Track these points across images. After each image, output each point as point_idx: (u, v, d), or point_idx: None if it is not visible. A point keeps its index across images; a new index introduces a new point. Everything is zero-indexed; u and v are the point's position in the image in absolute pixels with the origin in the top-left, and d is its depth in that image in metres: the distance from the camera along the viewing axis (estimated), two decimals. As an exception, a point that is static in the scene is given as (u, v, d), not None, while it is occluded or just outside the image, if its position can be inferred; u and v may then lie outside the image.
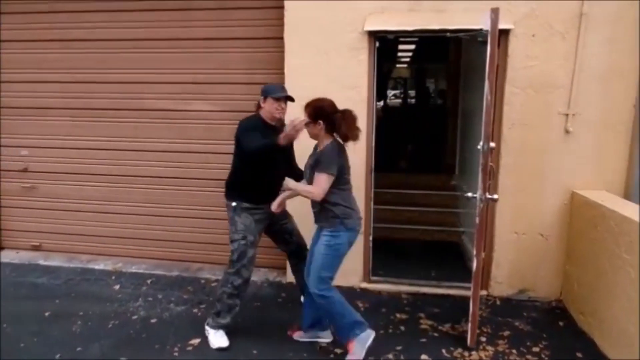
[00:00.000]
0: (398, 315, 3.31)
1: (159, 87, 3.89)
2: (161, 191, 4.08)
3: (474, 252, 2.87)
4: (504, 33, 3.20)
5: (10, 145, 4.26)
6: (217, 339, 2.89)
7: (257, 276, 3.83)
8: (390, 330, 3.11)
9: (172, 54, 3.84)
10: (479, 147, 2.73)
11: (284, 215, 3.07)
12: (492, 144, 2.72)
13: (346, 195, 2.68)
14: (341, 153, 2.65)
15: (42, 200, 4.31)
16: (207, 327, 2.96)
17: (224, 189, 2.99)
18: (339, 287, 3.68)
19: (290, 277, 3.81)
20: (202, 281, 3.85)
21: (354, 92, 3.44)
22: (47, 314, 3.27)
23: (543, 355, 2.84)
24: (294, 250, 3.20)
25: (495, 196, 2.87)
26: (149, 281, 3.82)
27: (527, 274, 3.53)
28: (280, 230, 3.12)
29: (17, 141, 4.24)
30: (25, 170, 4.26)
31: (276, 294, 3.64)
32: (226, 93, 3.80)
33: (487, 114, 2.68)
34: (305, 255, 3.01)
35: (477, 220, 2.80)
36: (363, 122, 3.47)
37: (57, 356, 2.76)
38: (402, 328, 3.14)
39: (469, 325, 2.89)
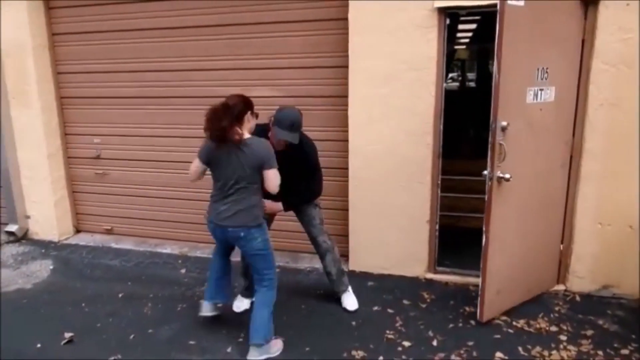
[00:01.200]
0: (467, 308, 3.15)
1: (221, 74, 3.90)
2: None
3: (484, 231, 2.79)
4: (593, 3, 2.90)
5: (84, 134, 4.46)
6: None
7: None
8: (461, 324, 2.96)
9: (235, 39, 3.82)
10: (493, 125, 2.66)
11: (298, 210, 3.07)
12: (504, 123, 2.66)
13: None
14: None
15: (113, 186, 4.50)
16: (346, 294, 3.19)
17: None
18: (402, 278, 3.61)
19: (352, 265, 3.75)
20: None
21: (423, 74, 3.26)
22: (120, 295, 3.41)
23: (634, 359, 2.59)
24: (308, 238, 3.15)
25: (507, 175, 2.70)
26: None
27: (612, 268, 3.23)
28: (296, 215, 3.12)
29: (91, 129, 4.43)
30: (98, 157, 4.46)
31: (339, 282, 3.57)
32: (289, 78, 3.74)
33: (495, 91, 2.63)
34: (317, 248, 3.11)
35: (486, 198, 2.76)
36: (431, 105, 3.31)
37: (131, 337, 2.87)
38: (472, 322, 2.98)
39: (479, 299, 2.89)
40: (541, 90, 2.87)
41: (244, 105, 2.53)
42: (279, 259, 3.91)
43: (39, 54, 4.22)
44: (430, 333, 2.86)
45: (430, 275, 3.60)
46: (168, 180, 4.30)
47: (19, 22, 4.12)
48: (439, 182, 3.46)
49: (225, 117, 2.42)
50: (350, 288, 3.24)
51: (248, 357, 2.59)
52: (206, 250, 4.16)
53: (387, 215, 3.56)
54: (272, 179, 2.51)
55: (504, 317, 3.02)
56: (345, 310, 3.15)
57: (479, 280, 3.42)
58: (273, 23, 3.71)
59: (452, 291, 3.41)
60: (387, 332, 2.89)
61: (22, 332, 2.95)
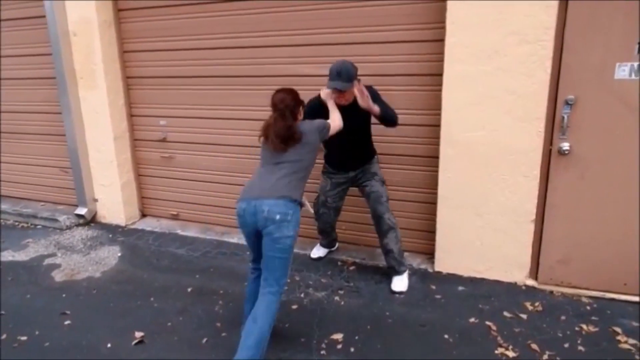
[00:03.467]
0: (584, 326, 2.67)
1: (296, 50, 3.53)
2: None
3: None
4: None
5: (150, 115, 4.28)
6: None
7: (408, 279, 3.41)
8: (581, 347, 2.49)
9: (312, 11, 3.42)
10: None
11: (367, 177, 3.10)
12: (571, 96, 2.76)
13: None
14: None
15: (179, 170, 4.31)
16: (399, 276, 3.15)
17: None
18: (497, 283, 3.17)
19: (438, 266, 3.34)
20: (339, 263, 3.54)
21: (537, 48, 2.73)
22: (189, 289, 3.21)
23: None
24: (372, 216, 3.13)
25: (566, 147, 2.80)
26: (283, 260, 3.60)
27: None
28: (362, 192, 3.18)
29: (157, 111, 4.24)
30: (164, 140, 4.27)
31: (422, 285, 3.18)
32: (370, 54, 3.30)
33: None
34: (380, 225, 3.08)
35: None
36: (545, 85, 2.79)
37: (204, 340, 2.64)
38: (594, 345, 2.51)
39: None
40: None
41: (295, 103, 2.48)
42: (354, 254, 3.62)
43: (105, 32, 4.03)
44: (547, 357, 2.42)
45: (531, 282, 3.13)
46: (235, 165, 4.04)
47: (86, -2, 3.94)
48: (549, 176, 2.96)
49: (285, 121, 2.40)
50: (407, 271, 3.23)
51: None
52: (275, 242, 3.89)
53: (483, 212, 3.10)
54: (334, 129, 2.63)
55: (633, 340, 2.52)
56: (392, 291, 3.11)
57: (591, 292, 2.97)
58: (356, -8, 3.27)
59: (559, 303, 2.93)
60: (490, 351, 2.48)
61: (93, 328, 2.80)
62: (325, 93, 2.82)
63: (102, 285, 3.32)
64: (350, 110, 2.82)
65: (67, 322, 2.87)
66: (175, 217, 4.46)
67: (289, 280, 3.15)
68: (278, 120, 2.39)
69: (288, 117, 2.40)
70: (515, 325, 2.70)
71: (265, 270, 2.37)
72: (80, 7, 3.98)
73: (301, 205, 2.43)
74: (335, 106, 2.79)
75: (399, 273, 3.16)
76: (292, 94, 2.49)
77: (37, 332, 2.76)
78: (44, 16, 4.10)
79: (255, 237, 2.42)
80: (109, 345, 2.62)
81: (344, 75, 2.72)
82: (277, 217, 2.26)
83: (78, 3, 3.98)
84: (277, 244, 2.28)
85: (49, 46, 4.19)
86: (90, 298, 3.15)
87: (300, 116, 2.54)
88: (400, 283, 3.14)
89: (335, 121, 2.70)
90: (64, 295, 3.19)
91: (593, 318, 2.75)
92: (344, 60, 2.80)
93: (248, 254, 2.72)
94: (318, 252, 3.64)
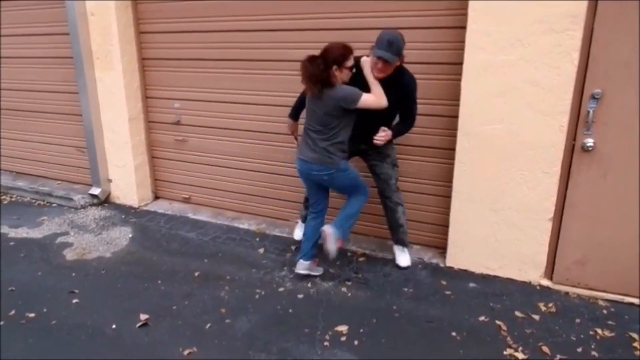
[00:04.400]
0: (599, 330, 2.57)
1: (315, 35, 3.42)
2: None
3: None
4: None
5: (165, 97, 4.26)
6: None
7: (410, 254, 3.34)
8: (594, 353, 2.39)
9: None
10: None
11: (378, 158, 3.05)
12: (597, 90, 2.64)
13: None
14: None
15: (192, 153, 4.29)
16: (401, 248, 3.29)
17: None
18: (511, 281, 3.07)
19: (450, 261, 3.26)
20: (349, 253, 3.48)
21: (564, 38, 2.59)
22: (196, 274, 3.20)
23: None
24: (379, 195, 3.20)
25: (590, 143, 2.70)
26: (293, 247, 3.57)
27: None
28: (371, 171, 3.15)
29: (171, 93, 4.21)
30: (178, 123, 4.25)
31: (432, 280, 3.11)
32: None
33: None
34: (388, 203, 3.16)
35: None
36: (571, 78, 2.65)
37: (207, 326, 2.63)
38: (608, 351, 2.41)
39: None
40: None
41: (333, 59, 2.61)
42: (364, 245, 3.56)
43: (122, 12, 4.00)
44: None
45: (546, 282, 3.03)
46: (249, 151, 4.00)
47: (103, -23, 3.91)
48: (570, 173, 2.83)
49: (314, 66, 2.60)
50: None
51: (296, 269, 3.04)
52: (285, 229, 3.87)
53: (499, 208, 3.00)
54: (371, 104, 2.66)
55: (652, 350, 2.41)
56: (397, 266, 3.24)
57: (608, 295, 2.86)
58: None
59: (574, 305, 2.83)
60: (499, 351, 2.41)
61: (99, 308, 2.82)
62: (367, 61, 2.71)
63: (112, 266, 3.33)
64: (383, 87, 2.70)
65: (75, 301, 2.89)
66: (187, 201, 4.46)
67: (294, 268, 3.13)
68: (307, 65, 2.60)
69: (318, 64, 2.58)
70: (526, 326, 2.61)
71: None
72: (98, -14, 3.96)
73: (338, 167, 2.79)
74: (376, 80, 2.69)
75: (406, 246, 3.29)
76: (339, 49, 2.62)
77: (44, 310, 2.79)
78: (62, -5, 4.10)
79: (316, 186, 2.94)
80: (113, 326, 2.63)
81: (394, 46, 2.57)
82: (325, 177, 2.78)
83: (95, -18, 3.96)
84: (337, 187, 2.93)
85: (66, 25, 4.18)
86: (99, 278, 3.18)
87: (341, 74, 2.64)
88: (405, 258, 3.25)
89: (377, 96, 2.67)
90: (73, 274, 3.22)
91: (609, 322, 2.64)
92: (395, 30, 2.68)
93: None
94: (300, 231, 3.52)
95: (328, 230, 2.86)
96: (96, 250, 3.57)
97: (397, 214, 3.17)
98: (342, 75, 2.67)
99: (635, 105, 2.61)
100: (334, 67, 2.61)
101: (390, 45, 2.56)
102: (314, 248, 3.08)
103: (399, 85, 2.74)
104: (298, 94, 3.15)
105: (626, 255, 2.81)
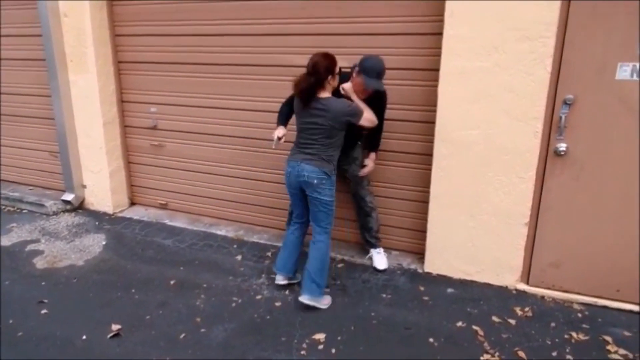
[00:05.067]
0: (574, 334, 2.59)
1: (291, 40, 3.42)
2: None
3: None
4: None
5: (141, 102, 4.18)
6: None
7: (388, 260, 3.34)
8: (569, 356, 2.41)
9: (308, 0, 3.30)
10: None
11: (348, 161, 3.13)
12: (570, 96, 2.68)
13: None
14: None
15: (169, 159, 4.22)
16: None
17: None
18: (488, 286, 3.09)
19: (428, 266, 3.26)
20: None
21: (537, 44, 2.63)
22: (172, 282, 3.14)
23: None
24: (353, 197, 3.32)
25: (562, 148, 2.74)
26: (269, 254, 3.53)
27: None
28: (342, 175, 3.17)
29: (148, 97, 4.13)
30: (154, 127, 4.17)
31: (411, 286, 3.10)
32: (365, 46, 3.17)
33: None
34: (361, 207, 3.26)
35: None
36: (544, 84, 2.69)
37: (182, 336, 2.57)
38: (583, 354, 2.44)
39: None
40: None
41: (325, 70, 2.60)
42: (343, 251, 3.54)
43: (96, 13, 3.92)
44: (532, 365, 2.35)
45: (522, 287, 3.05)
46: (226, 156, 3.95)
47: (76, -22, 3.82)
48: (544, 177, 2.86)
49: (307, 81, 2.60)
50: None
51: (300, 299, 2.79)
52: (264, 235, 3.83)
53: (476, 213, 3.02)
54: (369, 122, 2.78)
55: (623, 351, 2.44)
56: (375, 269, 3.28)
57: (583, 298, 2.90)
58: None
59: (550, 309, 2.85)
60: (476, 357, 2.41)
61: (69, 318, 2.73)
62: (349, 87, 2.83)
63: (84, 274, 3.24)
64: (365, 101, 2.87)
65: (43, 311, 2.80)
66: (163, 207, 4.38)
67: (274, 276, 3.09)
68: (303, 81, 2.61)
69: (311, 80, 2.59)
70: (503, 331, 2.62)
71: (312, 220, 2.85)
72: (72, -13, 3.87)
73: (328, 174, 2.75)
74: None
75: (376, 247, 3.36)
76: (327, 60, 2.61)
77: (10, 321, 2.69)
78: (34, -5, 4.00)
79: (301, 194, 2.83)
80: (84, 337, 2.55)
81: (382, 75, 2.79)
82: (315, 181, 2.69)
83: (69, -17, 3.87)
84: (317, 200, 2.75)
85: (39, 27, 4.07)
86: (70, 287, 3.08)
87: (334, 82, 2.68)
88: (382, 261, 3.32)
89: (372, 116, 2.80)
90: (43, 283, 3.12)
91: (584, 326, 2.67)
92: (378, 58, 2.81)
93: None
94: None
95: (306, 301, 2.78)
96: (68, 259, 3.47)
97: (368, 217, 3.28)
98: (334, 82, 2.70)
99: (605, 109, 2.66)
100: (329, 77, 2.63)
101: (380, 76, 2.78)
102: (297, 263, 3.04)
103: (378, 102, 2.92)
104: (276, 99, 3.13)
105: (599, 257, 2.85)
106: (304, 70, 2.65)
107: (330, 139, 2.69)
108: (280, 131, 2.89)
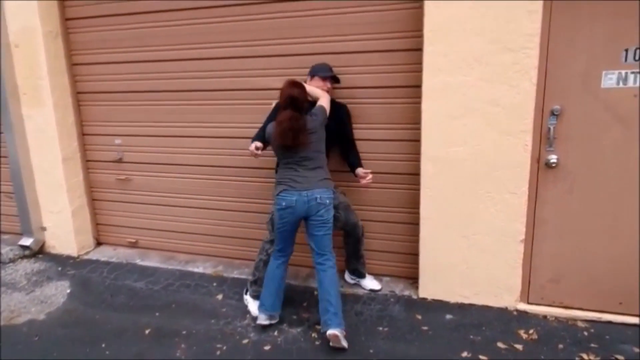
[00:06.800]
0: (584, 356, 2.46)
1: (262, 62, 3.25)
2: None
3: None
4: None
5: (104, 134, 3.90)
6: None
7: (378, 287, 3.16)
8: (585, 383, 2.27)
9: (281, 19, 3.14)
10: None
11: None
12: (556, 106, 2.63)
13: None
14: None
15: (137, 193, 3.93)
16: None
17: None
18: (487, 308, 2.94)
19: (423, 292, 3.09)
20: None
21: (520, 56, 2.55)
22: (147, 331, 2.84)
23: None
24: (344, 225, 3.09)
25: (553, 160, 2.68)
26: (254, 289, 3.27)
27: None
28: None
29: (111, 129, 3.86)
30: (119, 160, 3.89)
31: (407, 315, 2.92)
32: (343, 65, 3.04)
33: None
34: (355, 232, 3.08)
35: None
36: (531, 96, 2.61)
37: (162, 395, 2.29)
38: (597, 377, 2.30)
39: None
40: (635, 73, 2.50)
41: (303, 98, 2.64)
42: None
43: (50, 43, 3.65)
44: (549, 397, 2.19)
45: (523, 306, 2.91)
46: (198, 187, 3.70)
47: (28, 6, 3.55)
48: (537, 191, 2.76)
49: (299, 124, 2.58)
50: None
51: (336, 332, 2.53)
52: (245, 270, 3.57)
53: (468, 233, 2.88)
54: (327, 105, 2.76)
55: (639, 372, 2.32)
56: (372, 290, 3.19)
57: (586, 315, 2.78)
58: (328, -1, 3.03)
59: (554, 329, 2.72)
60: (488, 392, 2.23)
61: (29, 383, 2.40)
62: (317, 84, 2.86)
63: (46, 330, 2.90)
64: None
65: (-1, 379, 2.46)
66: (133, 245, 4.06)
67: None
68: (296, 118, 2.56)
69: (297, 115, 2.58)
70: (511, 358, 2.46)
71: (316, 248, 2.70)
72: (23, 15, 3.60)
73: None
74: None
75: (366, 277, 3.27)
76: (297, 87, 2.64)
77: (-40, 396, 2.34)
78: (-20, 26, 3.70)
79: (295, 227, 2.73)
80: (47, 407, 2.23)
81: (332, 71, 2.94)
82: (327, 201, 2.65)
83: (20, 11, 3.59)
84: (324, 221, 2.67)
85: (-14, 59, 3.77)
86: (30, 346, 2.74)
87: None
88: (374, 282, 3.25)
89: (327, 99, 2.79)
90: (-1, 344, 2.77)
91: (592, 345, 2.54)
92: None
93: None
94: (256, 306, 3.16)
95: (336, 332, 2.54)
96: (27, 312, 3.12)
97: (359, 244, 3.14)
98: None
99: (593, 118, 2.60)
100: (306, 103, 2.67)
101: (331, 69, 2.93)
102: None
103: (337, 114, 2.89)
104: (244, 124, 3.14)
105: (598, 269, 2.76)
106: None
107: (319, 151, 2.70)
108: (257, 143, 2.77)
